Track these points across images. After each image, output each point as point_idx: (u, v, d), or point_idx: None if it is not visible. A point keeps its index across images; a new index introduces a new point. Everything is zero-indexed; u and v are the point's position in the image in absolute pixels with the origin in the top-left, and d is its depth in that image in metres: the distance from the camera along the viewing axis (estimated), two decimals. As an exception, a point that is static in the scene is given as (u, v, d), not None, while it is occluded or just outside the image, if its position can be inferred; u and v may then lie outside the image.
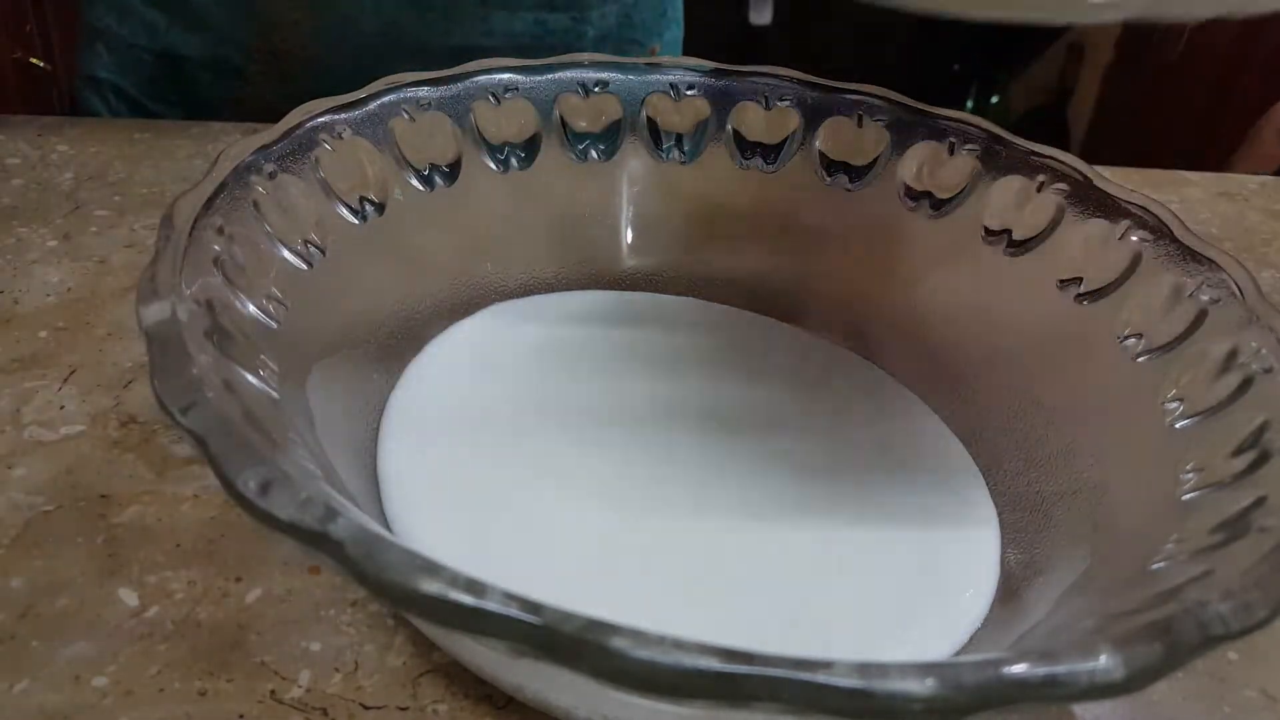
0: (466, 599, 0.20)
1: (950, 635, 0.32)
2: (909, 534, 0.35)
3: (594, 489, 0.36)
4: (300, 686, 0.31)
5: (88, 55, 0.64)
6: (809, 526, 0.35)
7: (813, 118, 0.45)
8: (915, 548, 0.35)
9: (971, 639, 0.32)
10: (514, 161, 0.43)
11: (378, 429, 0.37)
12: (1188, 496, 0.30)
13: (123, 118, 0.65)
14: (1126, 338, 0.36)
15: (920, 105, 0.44)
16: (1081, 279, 0.38)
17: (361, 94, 0.38)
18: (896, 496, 0.37)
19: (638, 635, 0.20)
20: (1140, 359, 0.35)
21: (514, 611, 0.20)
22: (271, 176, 0.34)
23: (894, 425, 0.40)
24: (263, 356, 0.29)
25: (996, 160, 0.40)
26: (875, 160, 0.44)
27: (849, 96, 0.44)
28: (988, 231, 0.41)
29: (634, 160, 0.45)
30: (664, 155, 0.46)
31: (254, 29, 0.61)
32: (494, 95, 0.42)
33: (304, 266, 0.34)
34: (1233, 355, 0.32)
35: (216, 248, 0.30)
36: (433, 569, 0.21)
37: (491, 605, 0.20)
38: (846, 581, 0.33)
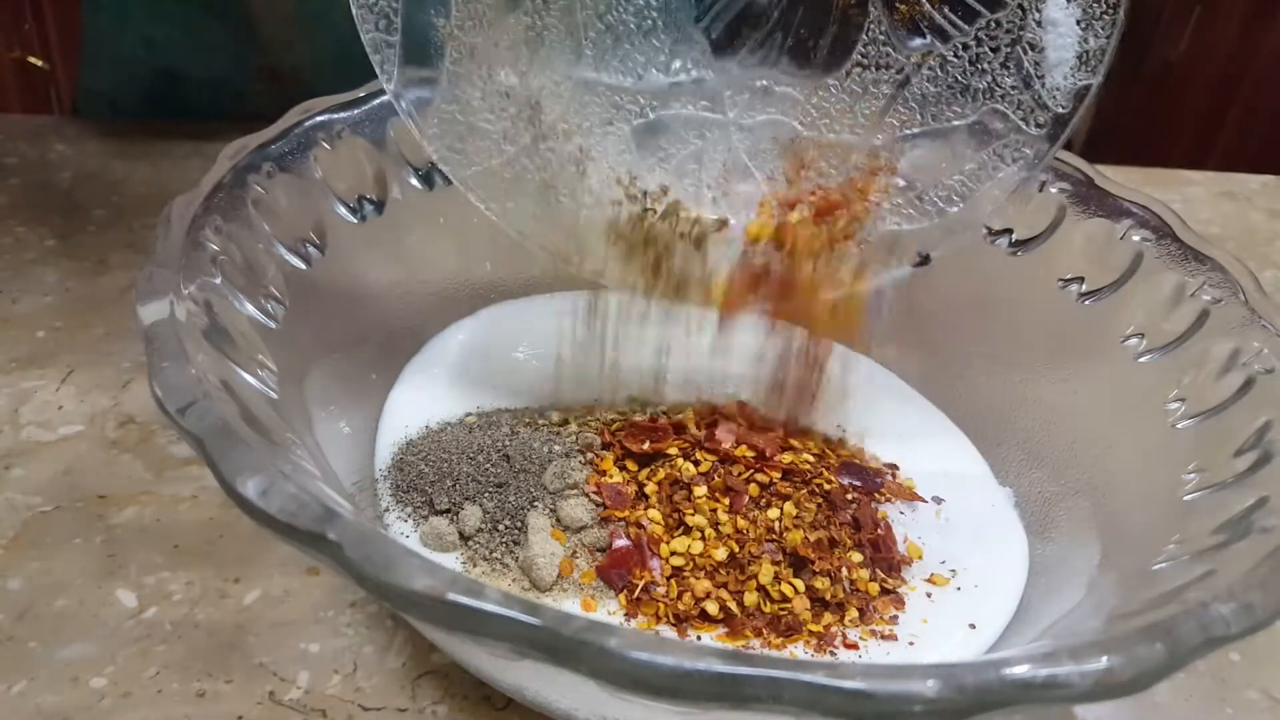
0: (466, 600, 0.20)
1: (974, 643, 0.31)
2: (936, 541, 0.35)
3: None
4: (299, 688, 0.31)
5: (87, 67, 0.64)
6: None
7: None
8: (940, 554, 0.35)
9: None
10: (513, 161, 0.43)
11: (376, 429, 0.37)
12: (1190, 497, 0.30)
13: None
14: (1128, 337, 0.36)
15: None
16: (1083, 278, 0.38)
17: (360, 93, 0.38)
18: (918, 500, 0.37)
19: (637, 636, 0.20)
20: (1142, 359, 0.35)
21: (513, 613, 0.20)
22: (270, 176, 0.34)
23: (903, 425, 0.40)
24: (261, 356, 0.29)
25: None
26: (876, 159, 0.43)
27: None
28: (989, 230, 0.40)
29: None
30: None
31: (254, 49, 0.61)
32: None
33: (303, 266, 0.34)
34: (1235, 355, 0.32)
35: (215, 247, 0.30)
36: (432, 570, 0.21)
37: (490, 606, 0.20)
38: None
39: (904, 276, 0.34)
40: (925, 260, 0.33)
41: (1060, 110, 0.31)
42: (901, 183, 0.33)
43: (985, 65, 0.31)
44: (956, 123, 0.32)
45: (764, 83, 0.32)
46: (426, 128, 0.32)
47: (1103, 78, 0.31)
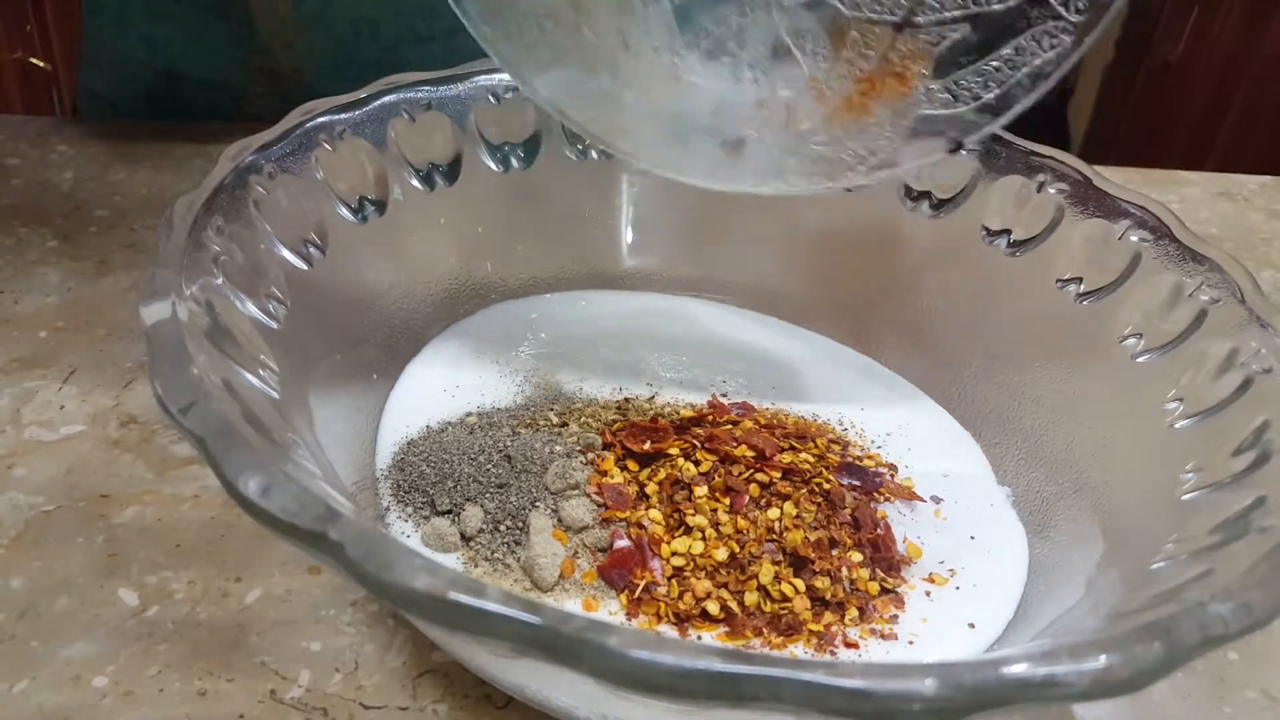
0: (467, 599, 0.20)
1: (973, 642, 0.32)
2: (935, 540, 0.35)
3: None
4: (300, 686, 0.31)
5: (87, 68, 0.64)
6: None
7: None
8: (939, 553, 0.35)
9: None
10: (514, 161, 0.43)
11: (378, 428, 0.37)
12: (1188, 496, 0.30)
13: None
14: (1126, 337, 0.36)
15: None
16: (1081, 279, 0.38)
17: (361, 94, 0.38)
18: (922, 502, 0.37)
19: (637, 635, 0.20)
20: (1140, 359, 0.35)
21: (514, 612, 0.20)
22: (271, 177, 0.34)
23: (903, 423, 0.40)
24: (263, 356, 0.29)
25: (996, 160, 0.41)
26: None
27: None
28: (988, 231, 0.41)
29: (634, 160, 0.45)
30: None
31: (253, 50, 0.61)
32: (494, 95, 0.42)
33: (304, 266, 0.34)
34: (1233, 355, 0.32)
35: (217, 248, 0.30)
36: (433, 569, 0.21)
37: (491, 605, 0.20)
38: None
39: (936, 162, 0.34)
40: (958, 148, 0.33)
41: None
42: (937, 67, 0.33)
43: None
44: (996, 7, 0.31)
45: None
46: (468, 6, 0.33)
47: None
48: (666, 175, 0.36)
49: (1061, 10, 0.31)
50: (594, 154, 0.45)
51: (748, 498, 0.33)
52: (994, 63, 0.33)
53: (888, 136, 0.34)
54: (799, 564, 0.32)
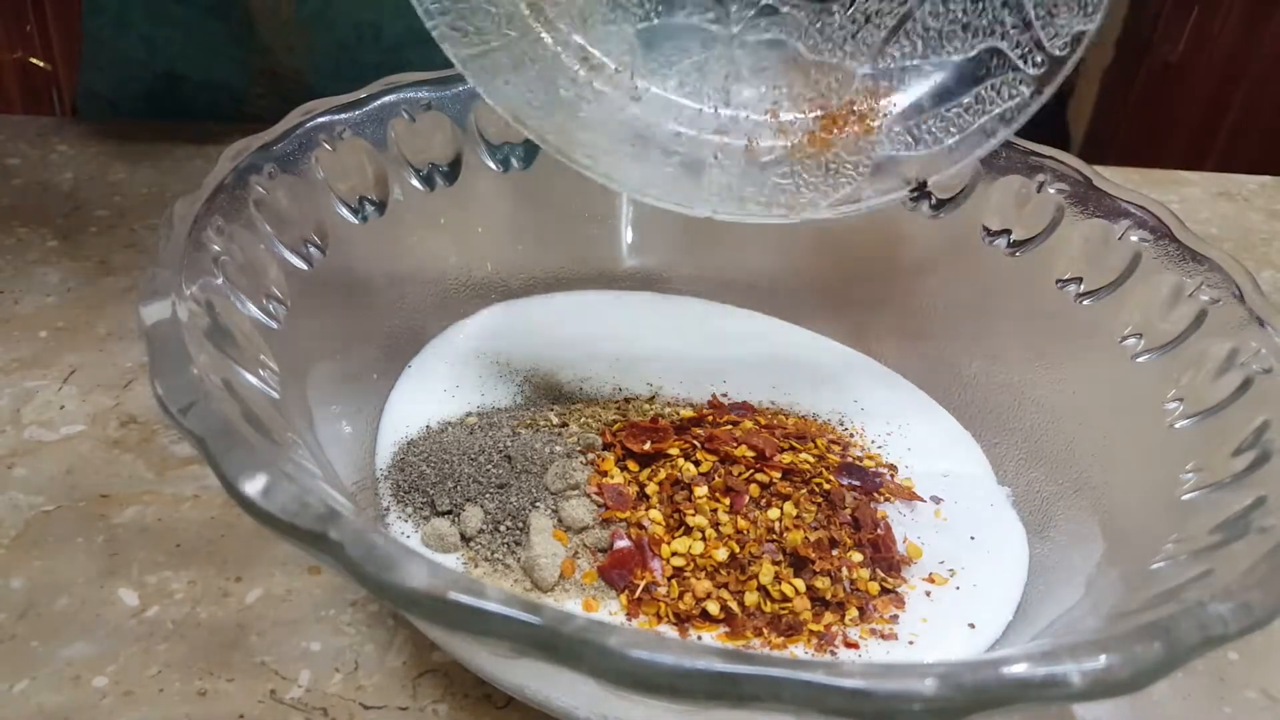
0: (466, 599, 0.20)
1: (973, 642, 0.32)
2: (935, 540, 0.35)
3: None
4: (300, 686, 0.31)
5: (87, 69, 0.64)
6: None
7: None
8: (939, 553, 0.35)
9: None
10: (514, 161, 0.43)
11: (378, 428, 0.37)
12: (1188, 496, 0.30)
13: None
14: (1126, 337, 0.36)
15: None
16: (1081, 279, 0.38)
17: (361, 94, 0.38)
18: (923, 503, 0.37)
19: (637, 635, 0.20)
20: (1140, 359, 0.35)
21: (514, 612, 0.20)
22: (271, 177, 0.34)
23: (907, 424, 0.40)
24: (263, 356, 0.29)
25: (996, 160, 0.41)
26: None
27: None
28: (988, 231, 0.41)
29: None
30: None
31: (253, 51, 0.61)
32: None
33: (304, 266, 0.34)
34: (1233, 355, 0.32)
35: (217, 248, 0.30)
36: (433, 569, 0.21)
37: (491, 605, 0.20)
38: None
39: (898, 201, 0.35)
40: (921, 187, 0.34)
41: (1057, 53, 0.32)
42: (899, 110, 0.33)
43: (987, 4, 0.32)
44: (955, 58, 0.32)
45: (770, 1, 0.33)
46: (430, 6, 0.33)
47: (1098, 24, 0.32)
48: (623, 192, 0.37)
49: (1019, 64, 0.32)
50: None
51: (748, 498, 0.33)
52: (955, 109, 0.33)
53: (849, 173, 0.34)
54: (799, 564, 0.32)
